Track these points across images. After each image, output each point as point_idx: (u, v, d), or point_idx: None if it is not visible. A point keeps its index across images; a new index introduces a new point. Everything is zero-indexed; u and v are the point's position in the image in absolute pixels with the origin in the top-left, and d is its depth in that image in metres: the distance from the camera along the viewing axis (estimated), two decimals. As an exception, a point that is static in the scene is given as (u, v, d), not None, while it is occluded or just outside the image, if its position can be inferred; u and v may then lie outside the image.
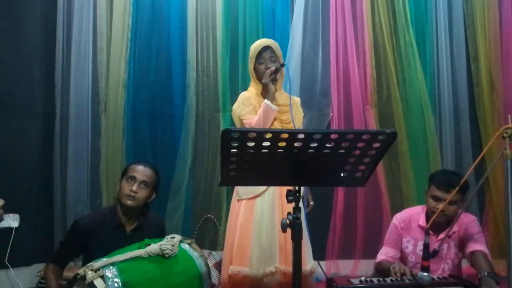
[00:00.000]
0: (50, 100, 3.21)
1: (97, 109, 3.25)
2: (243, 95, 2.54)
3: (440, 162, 3.29)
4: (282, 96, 2.50)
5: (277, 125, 2.43)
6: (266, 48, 2.47)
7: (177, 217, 3.20)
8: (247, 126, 2.44)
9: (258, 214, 2.37)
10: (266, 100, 2.38)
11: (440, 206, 2.02)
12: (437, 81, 3.40)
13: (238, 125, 2.49)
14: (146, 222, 2.14)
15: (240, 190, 2.44)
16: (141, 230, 2.10)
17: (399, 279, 1.89)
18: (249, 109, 2.46)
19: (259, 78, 2.45)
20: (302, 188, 2.39)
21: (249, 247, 2.33)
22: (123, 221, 2.08)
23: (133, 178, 2.07)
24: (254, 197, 2.39)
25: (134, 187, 2.05)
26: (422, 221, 2.26)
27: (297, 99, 2.66)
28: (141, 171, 2.10)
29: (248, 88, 2.56)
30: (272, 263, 2.31)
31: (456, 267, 2.25)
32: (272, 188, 2.35)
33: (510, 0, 3.41)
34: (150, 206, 2.26)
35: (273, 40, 2.55)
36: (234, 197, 2.48)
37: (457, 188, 1.92)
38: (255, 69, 2.49)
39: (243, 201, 2.40)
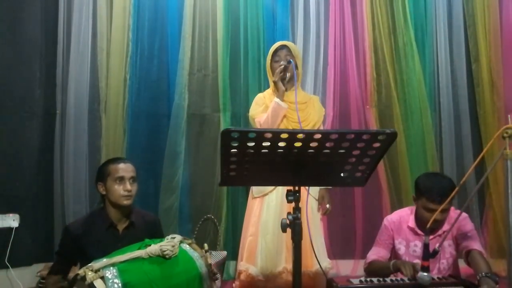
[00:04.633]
0: (50, 100, 3.21)
1: (97, 109, 3.25)
2: (258, 95, 2.66)
3: (438, 162, 3.30)
4: (298, 94, 2.51)
5: (288, 124, 2.46)
6: (282, 47, 2.55)
7: (176, 217, 3.20)
8: (257, 124, 2.48)
9: (264, 213, 2.40)
10: (275, 98, 2.42)
11: (435, 215, 1.96)
12: (437, 81, 3.40)
13: (255, 126, 2.52)
14: (138, 220, 2.14)
15: (254, 189, 2.50)
16: (134, 227, 2.11)
17: (409, 277, 1.89)
18: (261, 108, 2.54)
19: None
20: (313, 189, 2.45)
21: (257, 246, 2.36)
22: (114, 221, 2.08)
23: (122, 179, 2.06)
24: (264, 196, 2.43)
25: (128, 186, 2.05)
26: (411, 223, 2.26)
27: (315, 98, 2.69)
28: (124, 168, 2.08)
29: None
30: (280, 264, 2.33)
31: (451, 266, 2.25)
32: (280, 187, 2.37)
33: (510, 0, 3.41)
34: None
35: (291, 42, 2.62)
36: (250, 195, 2.57)
37: (448, 199, 1.89)
38: (271, 68, 2.54)
39: (257, 199, 2.45)
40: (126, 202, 2.05)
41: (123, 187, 2.05)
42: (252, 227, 2.44)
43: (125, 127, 3.24)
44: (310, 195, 2.46)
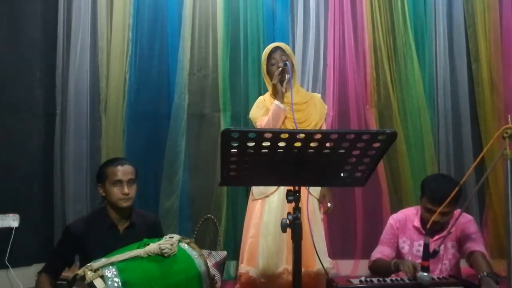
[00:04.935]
0: (50, 100, 3.21)
1: (97, 109, 3.26)
2: (258, 98, 2.68)
3: (436, 162, 3.29)
4: (297, 94, 2.51)
5: (288, 124, 2.46)
6: (276, 49, 2.54)
7: (176, 217, 3.20)
8: (259, 128, 2.48)
9: (266, 214, 2.40)
10: (275, 101, 2.43)
11: (434, 217, 1.96)
12: (436, 81, 3.39)
13: None
14: (139, 220, 2.14)
15: (254, 190, 2.50)
16: (134, 227, 2.11)
17: (410, 277, 1.88)
18: (262, 111, 2.55)
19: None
20: (315, 188, 2.45)
21: (258, 248, 2.36)
22: (115, 221, 2.09)
23: (119, 182, 2.05)
24: (265, 197, 2.42)
25: (126, 189, 2.04)
26: (416, 222, 2.27)
27: (316, 96, 2.69)
28: (122, 171, 2.07)
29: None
30: (281, 264, 2.33)
31: (454, 267, 2.25)
32: (282, 188, 2.37)
33: (510, 0, 3.41)
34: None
35: (283, 43, 2.63)
36: (250, 197, 2.56)
37: (446, 201, 1.88)
38: (268, 71, 2.54)
39: (258, 201, 2.45)
40: (124, 204, 2.06)
41: (120, 190, 2.05)
42: (253, 228, 2.44)
43: (125, 127, 3.24)
44: (311, 194, 2.46)
